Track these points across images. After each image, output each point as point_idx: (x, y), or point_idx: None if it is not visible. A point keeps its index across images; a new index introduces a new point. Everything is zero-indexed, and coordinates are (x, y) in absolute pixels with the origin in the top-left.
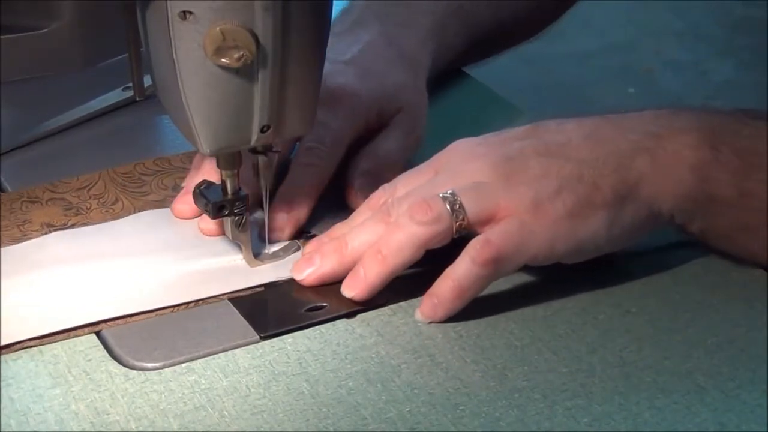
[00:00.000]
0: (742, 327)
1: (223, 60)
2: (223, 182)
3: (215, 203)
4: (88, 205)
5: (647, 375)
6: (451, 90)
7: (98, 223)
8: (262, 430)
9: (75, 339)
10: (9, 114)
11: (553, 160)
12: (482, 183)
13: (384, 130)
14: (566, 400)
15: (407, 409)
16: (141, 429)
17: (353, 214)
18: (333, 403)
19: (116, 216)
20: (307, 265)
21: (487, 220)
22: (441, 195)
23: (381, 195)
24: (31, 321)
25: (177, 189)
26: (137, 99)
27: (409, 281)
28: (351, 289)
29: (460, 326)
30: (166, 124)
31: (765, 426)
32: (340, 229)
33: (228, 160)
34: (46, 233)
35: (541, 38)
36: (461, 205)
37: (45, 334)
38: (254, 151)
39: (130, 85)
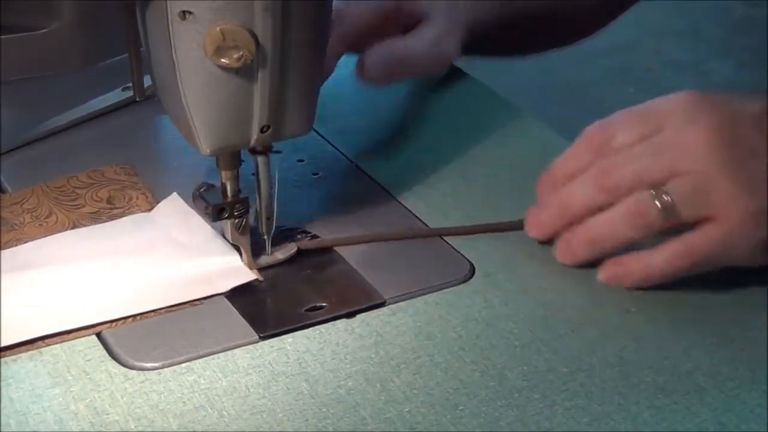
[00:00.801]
0: (742, 327)
1: (222, 60)
2: (223, 185)
3: (215, 206)
4: (22, 220)
5: (647, 375)
6: (451, 90)
7: (34, 238)
8: (261, 430)
9: (74, 339)
10: (9, 114)
11: None
12: (701, 178)
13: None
14: (566, 400)
15: (406, 409)
16: (140, 429)
17: (570, 149)
18: (332, 403)
19: (50, 230)
20: (534, 220)
21: (699, 221)
22: (654, 194)
23: (598, 134)
24: (30, 322)
25: (111, 201)
26: (137, 99)
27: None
28: (560, 257)
29: (460, 326)
30: (165, 124)
31: (765, 426)
32: (560, 168)
33: (228, 160)
34: None
35: None
36: (675, 209)
37: (43, 336)
38: (253, 151)
39: (130, 85)
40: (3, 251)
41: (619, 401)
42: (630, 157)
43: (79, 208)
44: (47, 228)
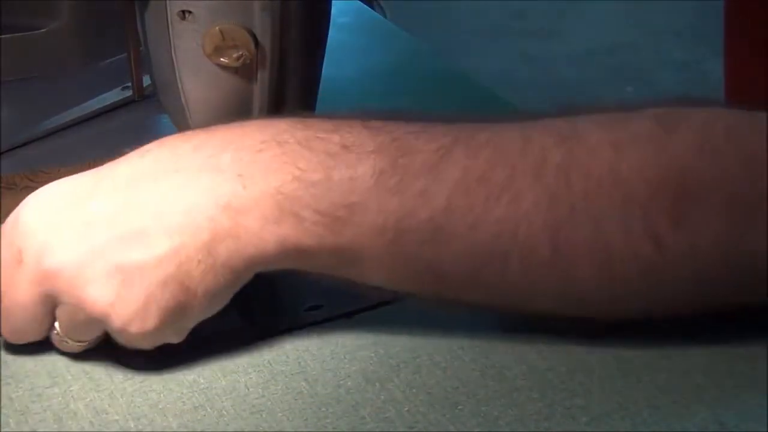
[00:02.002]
0: (741, 325)
1: (221, 59)
2: None
3: None
4: None
5: (646, 374)
6: (450, 90)
7: None
8: (260, 429)
9: None
10: (9, 114)
11: (134, 262)
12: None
13: None
14: (565, 399)
15: (406, 409)
16: (140, 428)
17: None
18: (331, 403)
19: None
20: None
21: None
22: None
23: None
24: None
25: None
26: (136, 99)
27: None
28: None
29: (459, 325)
30: (165, 123)
31: (765, 426)
32: None
33: None
34: None
35: (540, 38)
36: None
37: None
38: None
39: (129, 84)
40: None
41: (618, 400)
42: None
43: None
44: None
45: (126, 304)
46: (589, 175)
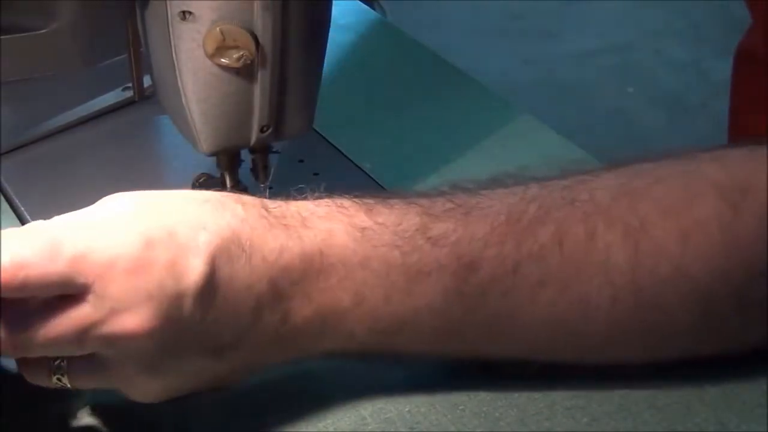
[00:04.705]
0: None
1: (222, 60)
2: (222, 175)
3: None
4: None
5: (647, 374)
6: (450, 90)
7: None
8: (261, 430)
9: None
10: (9, 114)
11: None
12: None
13: None
14: (566, 399)
15: (407, 409)
16: (141, 428)
17: None
18: (332, 403)
19: None
20: None
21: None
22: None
23: None
24: None
25: None
26: (136, 99)
27: None
28: None
29: None
30: (165, 124)
31: (765, 426)
32: None
33: (228, 160)
34: None
35: (540, 38)
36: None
37: None
38: (253, 150)
39: (130, 85)
40: None
41: (619, 401)
42: None
43: None
44: None
45: (167, 393)
46: (656, 272)
